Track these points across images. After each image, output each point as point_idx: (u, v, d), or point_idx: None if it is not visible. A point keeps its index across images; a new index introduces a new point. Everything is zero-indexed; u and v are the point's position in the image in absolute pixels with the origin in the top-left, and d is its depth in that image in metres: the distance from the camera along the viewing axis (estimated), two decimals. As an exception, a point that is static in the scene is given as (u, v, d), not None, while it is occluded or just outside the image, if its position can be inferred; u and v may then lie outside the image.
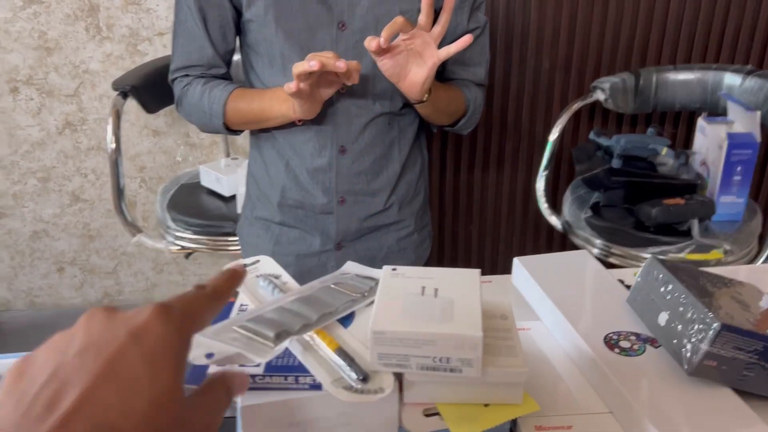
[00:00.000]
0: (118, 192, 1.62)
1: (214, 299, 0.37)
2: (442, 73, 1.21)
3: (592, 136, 1.74)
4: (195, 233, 1.63)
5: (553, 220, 1.77)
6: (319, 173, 1.13)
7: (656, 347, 0.58)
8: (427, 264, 2.15)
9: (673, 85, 1.81)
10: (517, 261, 0.73)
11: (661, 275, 0.59)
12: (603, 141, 1.68)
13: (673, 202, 1.48)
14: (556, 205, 1.82)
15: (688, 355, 0.53)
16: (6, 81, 1.90)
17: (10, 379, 0.30)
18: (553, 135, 1.81)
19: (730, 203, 1.52)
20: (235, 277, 0.40)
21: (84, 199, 2.07)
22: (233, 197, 1.72)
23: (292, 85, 0.95)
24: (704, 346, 0.52)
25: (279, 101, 1.07)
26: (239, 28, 1.13)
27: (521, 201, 2.10)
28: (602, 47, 1.90)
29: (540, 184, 1.82)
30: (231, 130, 1.16)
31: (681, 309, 0.55)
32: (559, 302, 0.65)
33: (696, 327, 0.53)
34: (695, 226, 1.48)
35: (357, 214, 1.17)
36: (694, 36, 1.89)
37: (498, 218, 2.13)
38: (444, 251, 2.15)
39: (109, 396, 0.29)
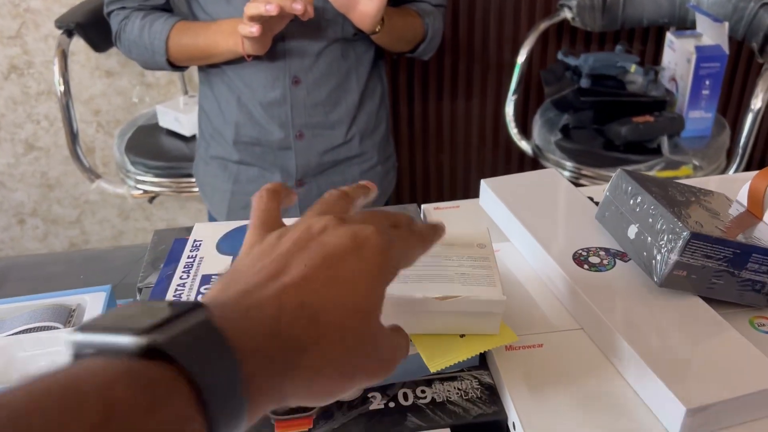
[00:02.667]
0: (73, 137, 1.55)
1: (422, 246, 0.39)
2: None
3: (560, 56, 1.70)
4: (156, 176, 1.58)
5: (524, 145, 1.74)
6: (273, 107, 1.08)
7: (626, 261, 0.57)
8: (397, 196, 2.13)
9: (640, 1, 1.76)
10: (483, 183, 0.70)
11: (629, 188, 0.57)
12: (571, 61, 1.65)
13: (642, 119, 1.46)
14: (527, 130, 1.79)
15: (658, 266, 0.52)
16: (-58, 24, 1.79)
17: (251, 241, 0.35)
18: (521, 57, 1.77)
19: (699, 118, 1.51)
20: (441, 230, 0.42)
21: (39, 147, 1.99)
22: (194, 137, 1.66)
23: (251, 29, 0.91)
24: (674, 256, 0.50)
25: (225, 35, 1.01)
26: None
27: (491, 127, 2.07)
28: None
29: (509, 109, 1.79)
30: (175, 66, 1.11)
31: (650, 220, 0.53)
32: (527, 222, 0.63)
33: (666, 237, 0.51)
34: (665, 143, 1.47)
35: (317, 148, 1.13)
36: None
37: (469, 146, 2.10)
38: (415, 182, 2.13)
39: (324, 285, 0.31)
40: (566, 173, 1.54)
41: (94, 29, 1.55)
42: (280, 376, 0.28)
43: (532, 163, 2.12)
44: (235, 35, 0.99)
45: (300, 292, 0.30)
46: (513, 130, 1.78)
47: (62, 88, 1.51)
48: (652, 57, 1.96)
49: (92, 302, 0.58)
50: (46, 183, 2.05)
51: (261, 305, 0.29)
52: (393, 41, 1.10)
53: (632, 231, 0.56)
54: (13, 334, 0.55)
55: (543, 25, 1.77)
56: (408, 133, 2.05)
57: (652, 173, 1.44)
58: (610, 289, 0.54)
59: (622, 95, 1.54)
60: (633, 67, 1.57)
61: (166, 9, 1.11)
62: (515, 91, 1.77)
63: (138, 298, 0.64)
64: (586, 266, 0.56)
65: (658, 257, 0.52)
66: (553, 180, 0.70)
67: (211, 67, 1.11)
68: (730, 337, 0.49)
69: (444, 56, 1.93)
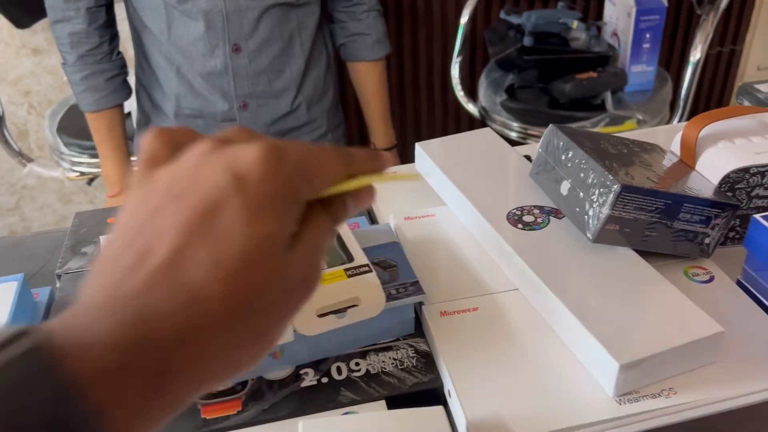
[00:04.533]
0: (-1, 120, 1.47)
1: (343, 164, 0.30)
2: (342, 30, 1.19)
3: (502, 14, 1.67)
4: (92, 156, 1.51)
5: (470, 108, 1.73)
6: (214, 77, 1.04)
7: (560, 218, 0.56)
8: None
9: (581, -45, 1.74)
10: (418, 146, 0.68)
11: (561, 143, 0.56)
12: (514, 19, 1.62)
13: (586, 76, 1.46)
14: (474, 92, 1.77)
15: (591, 221, 0.51)
16: None
17: (118, 219, 0.28)
18: (464, 18, 1.74)
19: (641, 72, 1.51)
20: (379, 160, 0.31)
21: (-33, 132, 1.89)
22: (129, 114, 1.59)
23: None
24: (606, 210, 0.49)
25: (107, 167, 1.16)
26: None
27: (440, 90, 2.04)
28: None
29: (455, 71, 1.76)
30: None
31: (582, 175, 0.52)
32: (461, 184, 0.61)
33: (597, 191, 0.50)
34: (608, 98, 1.47)
35: (263, 118, 1.09)
36: None
37: (418, 110, 2.08)
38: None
39: (199, 252, 0.25)
40: (513, 134, 1.53)
41: (14, 3, 1.47)
42: (153, 388, 0.24)
43: (481, 125, 2.11)
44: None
45: (171, 274, 0.25)
46: (459, 93, 1.76)
47: (-16, 68, 1.43)
48: (595, 12, 1.96)
49: (3, 293, 0.54)
50: (-22, 170, 1.96)
51: (120, 306, 0.24)
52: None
53: (565, 187, 0.54)
54: None
55: (485, -16, 1.74)
56: (355, 102, 2.01)
57: (596, 129, 1.44)
58: (544, 248, 0.53)
59: (565, 52, 1.53)
60: (575, 24, 1.56)
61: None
62: (460, 53, 1.75)
63: (57, 285, 0.61)
64: (520, 225, 0.55)
65: (590, 212, 0.51)
66: (489, 139, 0.69)
67: (146, 39, 1.05)
68: (664, 290, 0.48)
69: (388, 20, 1.89)
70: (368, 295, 0.49)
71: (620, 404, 0.43)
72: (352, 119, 2.01)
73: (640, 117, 1.45)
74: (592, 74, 1.46)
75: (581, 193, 0.52)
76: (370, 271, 0.50)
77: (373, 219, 0.66)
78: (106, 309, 0.24)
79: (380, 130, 1.25)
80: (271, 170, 0.26)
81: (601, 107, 1.48)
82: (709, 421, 0.41)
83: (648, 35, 1.46)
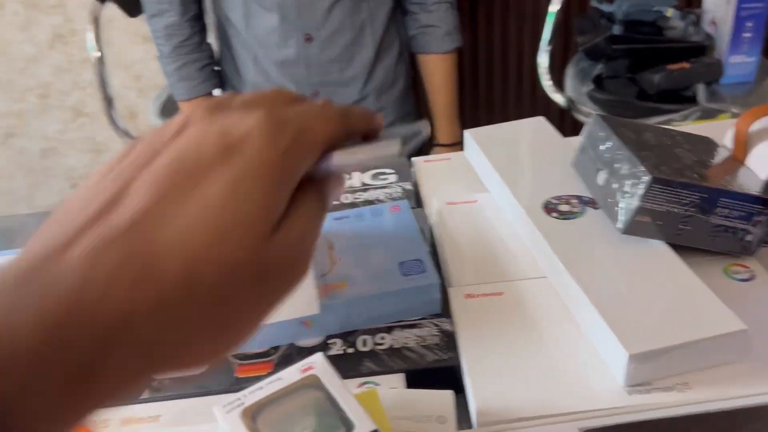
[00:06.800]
0: (108, 102, 1.60)
1: (342, 123, 0.27)
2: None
3: (594, 2, 1.63)
4: (189, 138, 1.61)
5: (557, 98, 1.69)
6: (288, 66, 1.09)
7: (597, 209, 0.55)
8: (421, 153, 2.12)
9: (684, -60, 1.66)
10: (467, 133, 0.69)
11: (602, 133, 0.55)
12: (605, 7, 1.58)
13: (677, 66, 1.39)
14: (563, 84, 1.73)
15: (621, 212, 0.50)
16: (-12, -3, 1.86)
17: (92, 174, 0.25)
18: (555, 6, 1.70)
19: (740, 63, 1.43)
20: (374, 120, 0.30)
21: (86, 113, 2.07)
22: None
23: None
24: (635, 202, 0.49)
25: None
26: None
27: (529, 80, 2.02)
28: None
29: (543, 60, 1.73)
30: None
31: (617, 165, 0.52)
32: (503, 170, 0.62)
33: (629, 182, 0.50)
34: (701, 90, 1.40)
35: None
36: None
37: (506, 101, 2.06)
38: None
39: (167, 223, 0.22)
40: (598, 125, 1.49)
41: (125, -5, 1.58)
42: (75, 385, 0.20)
43: (570, 116, 2.06)
44: None
45: (128, 240, 0.21)
46: (546, 82, 1.72)
47: (98, 54, 1.56)
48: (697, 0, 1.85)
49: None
50: (94, 148, 2.13)
51: (60, 274, 0.20)
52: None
53: (601, 177, 0.54)
54: None
55: (579, -29, 1.70)
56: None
57: (686, 123, 1.38)
58: (576, 237, 0.53)
59: (656, 42, 1.47)
60: (669, 11, 1.49)
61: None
62: (550, 42, 1.71)
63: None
64: (554, 214, 0.55)
65: (622, 203, 0.50)
66: (540, 128, 0.69)
67: (228, 30, 1.12)
68: (690, 284, 0.47)
69: (478, 8, 1.89)
70: None
71: (630, 394, 0.43)
72: (424, 109, 2.03)
73: (735, 111, 1.37)
74: (685, 65, 1.39)
75: (615, 184, 0.52)
76: None
77: (419, 203, 0.68)
78: (37, 281, 0.20)
79: (444, 126, 1.25)
80: (265, 144, 0.24)
81: (694, 100, 1.41)
82: (710, 418, 0.40)
83: (750, 24, 1.38)
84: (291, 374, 0.41)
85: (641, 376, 0.43)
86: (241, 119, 0.24)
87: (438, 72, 1.22)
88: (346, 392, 0.38)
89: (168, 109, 1.68)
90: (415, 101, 1.29)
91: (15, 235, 0.79)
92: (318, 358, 0.42)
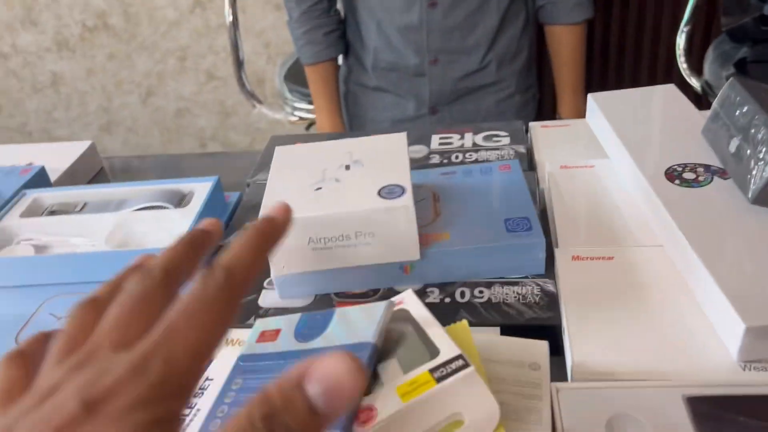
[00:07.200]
0: (239, 65, 1.67)
1: (221, 321, 0.23)
2: None
3: (745, -20, 1.50)
4: (310, 103, 1.66)
5: (693, 82, 1.59)
6: (410, 31, 1.09)
7: (725, 179, 0.52)
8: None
9: None
10: (590, 97, 0.66)
11: (738, 98, 0.51)
12: (757, -15, 1.45)
13: (837, 51, 1.26)
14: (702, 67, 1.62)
15: (753, 179, 0.46)
16: (140, -38, 2.00)
17: None
18: (699, -17, 1.59)
19: None
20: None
21: (218, 76, 2.18)
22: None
23: None
24: (770, 169, 0.45)
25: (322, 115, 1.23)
26: None
27: (664, 62, 1.90)
28: None
29: (681, 40, 1.63)
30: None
31: (753, 131, 0.48)
32: (625, 136, 0.58)
33: (765, 148, 0.46)
34: None
35: (451, 74, 1.12)
36: None
37: (637, 82, 1.95)
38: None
39: None
40: (736, 112, 1.39)
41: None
42: None
43: (707, 102, 1.93)
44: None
45: None
46: (683, 65, 1.62)
47: (231, 18, 1.63)
48: None
49: (200, 190, 0.65)
50: (224, 111, 2.25)
51: None
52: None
53: (734, 144, 0.50)
54: (133, 211, 0.63)
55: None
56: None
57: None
58: (698, 205, 0.49)
59: (815, 23, 1.34)
60: (834, -9, 1.35)
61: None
62: (689, 22, 1.61)
63: (246, 191, 0.70)
64: (677, 181, 0.52)
65: (755, 171, 0.46)
66: (670, 96, 0.65)
67: None
68: (827, 262, 0.43)
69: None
70: (473, 405, 0.35)
71: (743, 370, 0.40)
72: (546, 84, 1.96)
73: None
74: None
75: (749, 150, 0.48)
76: (467, 365, 0.35)
77: (531, 166, 0.66)
78: None
79: (568, 100, 1.20)
80: (128, 398, 0.21)
81: None
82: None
83: None
84: (382, 308, 0.41)
85: (757, 352, 0.40)
86: (100, 373, 0.22)
87: (565, 43, 1.18)
88: (434, 323, 0.38)
89: (293, 74, 1.74)
90: (538, 76, 1.25)
91: (149, 173, 0.85)
92: (408, 294, 0.42)
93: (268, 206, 0.50)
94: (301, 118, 1.71)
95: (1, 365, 0.25)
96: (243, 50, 1.69)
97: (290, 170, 0.54)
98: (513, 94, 1.17)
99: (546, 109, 1.97)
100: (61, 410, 0.21)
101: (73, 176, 0.78)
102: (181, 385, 0.22)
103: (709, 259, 0.44)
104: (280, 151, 0.57)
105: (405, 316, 0.40)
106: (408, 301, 0.41)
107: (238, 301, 0.24)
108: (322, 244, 0.50)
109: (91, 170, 0.82)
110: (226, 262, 0.24)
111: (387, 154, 0.55)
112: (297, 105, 1.69)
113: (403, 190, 0.50)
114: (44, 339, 0.26)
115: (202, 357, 0.22)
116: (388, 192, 0.50)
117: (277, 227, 0.28)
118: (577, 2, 1.14)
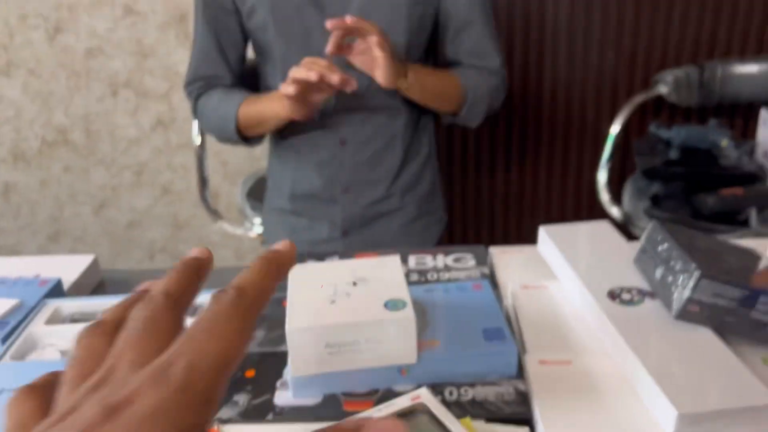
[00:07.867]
0: (203, 183, 1.79)
1: (240, 331, 0.24)
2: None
3: (652, 129, 1.76)
4: (270, 220, 1.77)
5: (614, 212, 1.80)
6: (323, 166, 1.23)
7: (654, 299, 0.65)
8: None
9: (738, 79, 1.80)
10: (542, 229, 0.81)
11: (659, 236, 0.66)
12: (663, 133, 1.71)
13: (731, 191, 1.50)
14: (620, 199, 1.85)
15: (675, 301, 0.60)
16: (108, 84, 2.12)
17: None
18: (615, 128, 1.85)
19: (791, 193, 1.51)
20: (285, 260, 0.30)
21: (173, 191, 2.27)
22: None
23: (289, 88, 1.00)
24: (687, 293, 0.59)
25: (274, 100, 1.11)
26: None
27: (587, 194, 2.14)
28: (668, 39, 1.92)
29: (602, 176, 1.86)
30: (243, 137, 1.24)
31: (672, 263, 0.62)
32: (574, 263, 0.72)
33: (682, 277, 0.60)
34: (753, 215, 1.49)
35: (360, 202, 1.26)
36: (765, 26, 1.88)
37: (563, 213, 2.17)
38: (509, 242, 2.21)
39: None
40: (652, 240, 1.58)
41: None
42: None
43: (625, 231, 2.16)
44: (281, 101, 1.07)
45: None
46: (604, 198, 1.84)
47: (199, 141, 1.76)
48: (751, 131, 1.98)
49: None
50: (176, 223, 2.32)
51: None
52: (427, 99, 1.17)
53: (659, 272, 0.64)
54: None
55: (638, 99, 1.85)
56: (503, 198, 2.15)
57: (738, 244, 1.46)
58: (635, 320, 0.62)
59: (711, 168, 1.58)
60: (725, 142, 1.61)
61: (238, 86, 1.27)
62: (608, 160, 1.84)
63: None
64: (617, 300, 0.65)
65: (676, 294, 0.60)
66: (605, 231, 0.80)
67: (278, 131, 1.26)
68: (733, 365, 0.56)
69: (542, 124, 2.04)
70: None
71: (679, 450, 0.51)
72: (500, 216, 2.15)
73: (785, 236, 1.45)
74: (738, 191, 1.49)
75: (670, 278, 0.62)
76: None
77: (495, 284, 0.79)
78: None
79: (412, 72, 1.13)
80: (154, 392, 0.21)
81: (746, 223, 1.50)
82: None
83: (800, 158, 1.48)
84: (402, 401, 0.51)
85: (689, 436, 0.52)
86: (119, 387, 0.22)
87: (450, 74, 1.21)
88: (449, 416, 0.48)
89: (255, 192, 1.86)
90: (443, 202, 1.39)
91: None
92: (424, 390, 0.52)
93: (292, 320, 0.60)
94: (260, 234, 1.81)
95: (15, 399, 0.25)
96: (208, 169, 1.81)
97: (307, 287, 0.64)
98: (415, 219, 1.31)
99: (455, 233, 2.14)
100: (83, 417, 0.21)
101: (79, 287, 0.85)
102: (204, 394, 0.21)
103: (646, 360, 0.56)
104: (296, 268, 0.67)
105: (425, 409, 0.49)
106: (425, 396, 0.51)
107: (253, 316, 0.25)
108: (336, 349, 0.60)
109: (93, 282, 0.89)
110: (236, 283, 0.26)
111: (385, 272, 0.66)
112: (257, 221, 1.79)
113: (404, 304, 0.61)
114: (54, 375, 0.26)
115: (224, 367, 0.22)
116: (393, 305, 0.61)
117: (282, 256, 0.29)
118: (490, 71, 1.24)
